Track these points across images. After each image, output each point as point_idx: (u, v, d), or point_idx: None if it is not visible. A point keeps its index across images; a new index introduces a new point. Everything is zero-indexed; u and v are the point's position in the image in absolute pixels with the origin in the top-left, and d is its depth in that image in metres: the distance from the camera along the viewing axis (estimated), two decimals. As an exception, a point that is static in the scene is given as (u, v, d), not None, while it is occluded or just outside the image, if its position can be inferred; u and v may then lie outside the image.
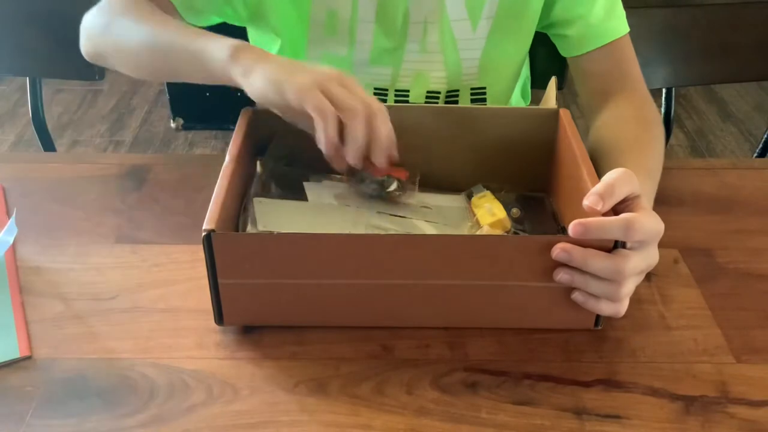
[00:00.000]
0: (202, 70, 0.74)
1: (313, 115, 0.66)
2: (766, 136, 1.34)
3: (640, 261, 0.64)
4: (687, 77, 1.33)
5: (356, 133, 0.66)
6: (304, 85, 0.66)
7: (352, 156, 0.67)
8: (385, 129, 0.68)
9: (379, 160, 0.68)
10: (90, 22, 0.88)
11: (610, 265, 0.62)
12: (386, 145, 0.68)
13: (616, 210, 0.64)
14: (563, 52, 0.96)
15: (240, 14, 0.94)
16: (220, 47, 0.72)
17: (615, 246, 0.63)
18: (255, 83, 0.69)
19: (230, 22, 0.95)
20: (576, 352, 0.68)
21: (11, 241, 0.77)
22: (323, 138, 0.66)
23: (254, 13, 0.93)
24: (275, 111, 0.71)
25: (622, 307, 0.65)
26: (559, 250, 0.63)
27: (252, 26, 0.99)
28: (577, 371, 0.66)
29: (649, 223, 0.63)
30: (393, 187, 0.76)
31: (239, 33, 1.02)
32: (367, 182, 0.77)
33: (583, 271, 0.63)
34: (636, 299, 0.67)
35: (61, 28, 1.20)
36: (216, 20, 0.94)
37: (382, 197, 0.77)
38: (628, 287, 0.64)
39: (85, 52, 0.90)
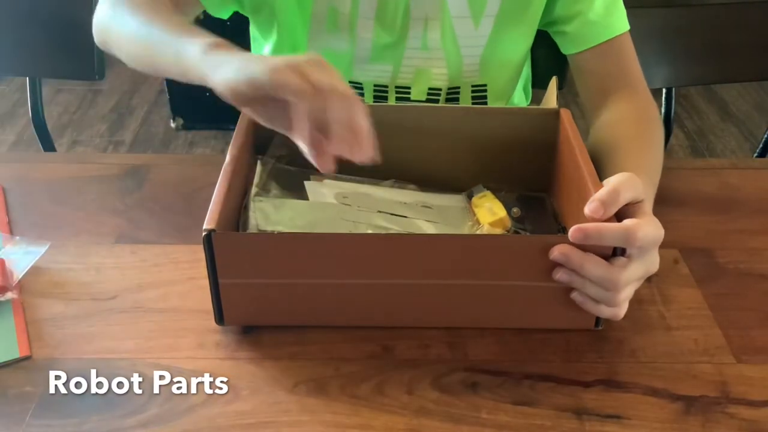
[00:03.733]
0: (176, 66, 0.70)
1: (291, 96, 0.59)
2: (766, 136, 1.34)
3: (638, 269, 0.64)
4: (687, 77, 1.33)
5: (340, 115, 0.59)
6: (278, 65, 0.59)
7: (336, 146, 0.61)
8: (365, 122, 0.60)
9: (363, 156, 0.61)
10: (99, 9, 0.87)
11: (606, 274, 0.62)
12: (369, 140, 0.61)
13: (617, 213, 0.64)
14: (563, 50, 0.96)
15: (244, 4, 0.93)
16: (196, 43, 0.68)
17: (614, 251, 0.63)
18: (224, 74, 0.63)
19: (239, 11, 0.96)
20: (576, 352, 0.68)
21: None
22: (301, 125, 0.60)
23: (258, 4, 0.93)
24: (246, 110, 0.66)
25: (621, 311, 0.65)
26: (557, 252, 0.63)
27: (254, 17, 0.99)
28: (577, 371, 0.66)
29: (649, 230, 0.63)
30: None
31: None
32: None
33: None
34: (636, 299, 0.67)
35: (61, 28, 1.20)
36: (234, 8, 0.94)
37: None
38: (625, 293, 0.64)
39: (96, 38, 0.88)
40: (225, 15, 0.95)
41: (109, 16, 0.85)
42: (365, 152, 0.61)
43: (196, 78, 0.68)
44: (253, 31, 1.03)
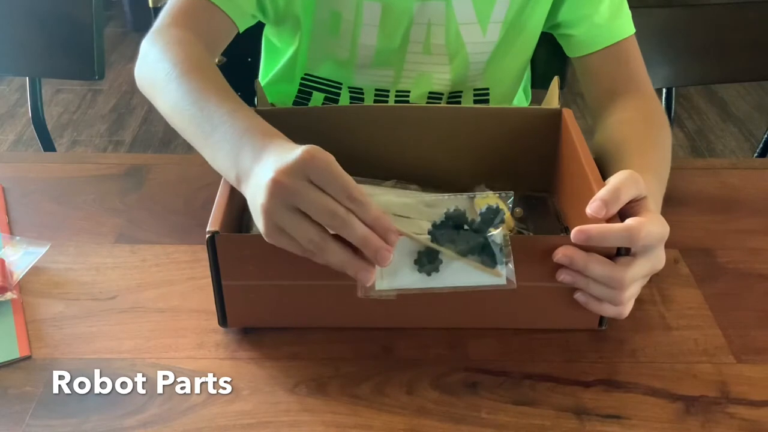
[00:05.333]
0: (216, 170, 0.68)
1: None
2: (766, 136, 1.34)
3: (643, 267, 0.64)
4: (687, 77, 1.33)
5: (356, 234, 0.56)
6: (266, 233, 0.58)
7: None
8: (361, 232, 0.56)
9: (382, 258, 0.57)
10: (142, 54, 0.80)
11: (610, 272, 0.62)
12: (375, 246, 0.56)
13: (621, 211, 0.64)
14: (569, 53, 0.96)
15: (269, 16, 0.93)
16: (228, 169, 0.65)
17: (618, 250, 0.63)
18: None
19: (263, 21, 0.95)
20: (576, 352, 0.68)
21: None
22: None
23: (282, 16, 0.92)
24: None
25: (626, 309, 0.65)
26: (561, 254, 0.63)
27: (277, 27, 0.97)
28: (577, 371, 0.66)
29: (653, 228, 0.63)
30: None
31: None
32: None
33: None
34: (636, 299, 0.66)
35: (61, 28, 1.20)
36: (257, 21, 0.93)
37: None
38: (630, 292, 0.64)
39: (137, 82, 0.82)
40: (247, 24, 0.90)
41: (149, 65, 0.78)
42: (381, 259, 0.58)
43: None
44: (270, 39, 1.02)
